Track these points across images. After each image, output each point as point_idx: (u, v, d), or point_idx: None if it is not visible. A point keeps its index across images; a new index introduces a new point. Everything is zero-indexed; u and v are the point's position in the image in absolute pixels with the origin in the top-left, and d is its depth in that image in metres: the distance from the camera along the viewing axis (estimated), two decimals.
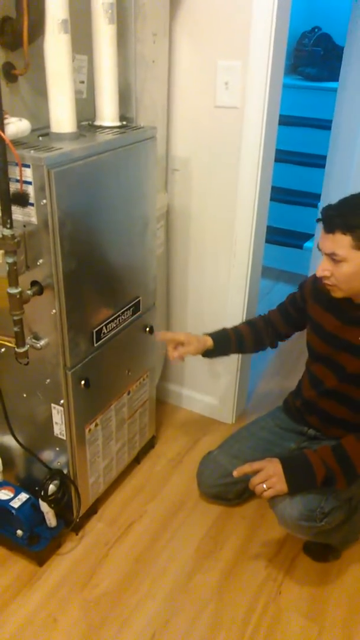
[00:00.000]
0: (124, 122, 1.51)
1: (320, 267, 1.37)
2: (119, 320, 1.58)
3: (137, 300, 1.65)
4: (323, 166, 2.64)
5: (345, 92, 2.43)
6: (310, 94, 3.32)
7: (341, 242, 1.31)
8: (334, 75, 2.64)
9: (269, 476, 1.40)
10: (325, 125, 2.85)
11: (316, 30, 3.43)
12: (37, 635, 1.42)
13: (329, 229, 1.32)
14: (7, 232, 1.19)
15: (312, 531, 1.44)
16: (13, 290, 1.25)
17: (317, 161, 3.03)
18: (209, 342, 1.68)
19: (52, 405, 1.48)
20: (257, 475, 1.41)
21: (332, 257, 1.33)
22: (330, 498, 1.42)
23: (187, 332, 1.69)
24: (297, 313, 1.66)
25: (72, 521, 1.64)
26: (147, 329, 1.74)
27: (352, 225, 1.29)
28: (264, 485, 1.40)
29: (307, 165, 3.29)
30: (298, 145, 3.31)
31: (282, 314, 1.71)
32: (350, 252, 1.30)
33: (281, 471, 1.39)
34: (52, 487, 1.52)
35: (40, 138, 1.32)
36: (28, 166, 1.19)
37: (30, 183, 1.21)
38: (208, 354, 1.70)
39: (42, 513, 1.55)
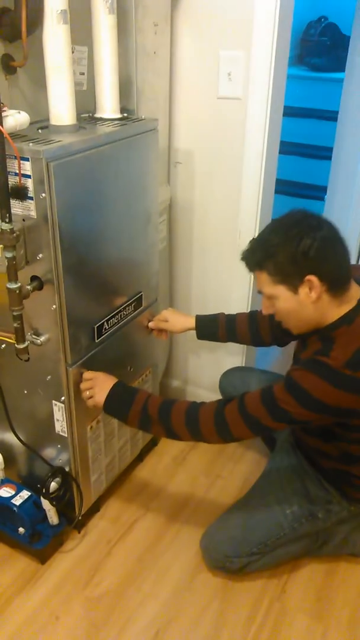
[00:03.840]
0: (125, 114, 1.49)
1: (262, 307, 1.33)
2: (121, 315, 1.56)
3: (139, 295, 1.62)
4: (329, 158, 2.60)
5: (351, 83, 2.39)
6: (316, 85, 3.27)
7: (262, 280, 1.26)
8: (341, 66, 2.59)
9: (96, 386, 1.41)
10: (331, 116, 2.80)
11: (323, 20, 3.37)
12: (39, 634, 1.41)
13: (249, 268, 1.29)
14: (5, 226, 1.17)
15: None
16: (12, 286, 1.23)
17: (323, 153, 2.99)
18: (189, 324, 1.69)
19: (53, 402, 1.46)
20: (87, 381, 1.43)
21: (265, 296, 1.29)
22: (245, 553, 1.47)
23: (174, 311, 1.73)
24: None
25: (74, 519, 1.63)
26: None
27: (260, 261, 1.24)
28: (88, 392, 1.43)
29: (313, 157, 3.25)
30: (304, 137, 3.27)
31: None
32: (273, 288, 1.24)
33: (108, 387, 1.40)
34: (53, 485, 1.50)
35: (40, 131, 1.30)
36: (27, 159, 1.17)
37: (29, 176, 1.19)
38: (198, 335, 1.72)
39: (44, 511, 1.54)
